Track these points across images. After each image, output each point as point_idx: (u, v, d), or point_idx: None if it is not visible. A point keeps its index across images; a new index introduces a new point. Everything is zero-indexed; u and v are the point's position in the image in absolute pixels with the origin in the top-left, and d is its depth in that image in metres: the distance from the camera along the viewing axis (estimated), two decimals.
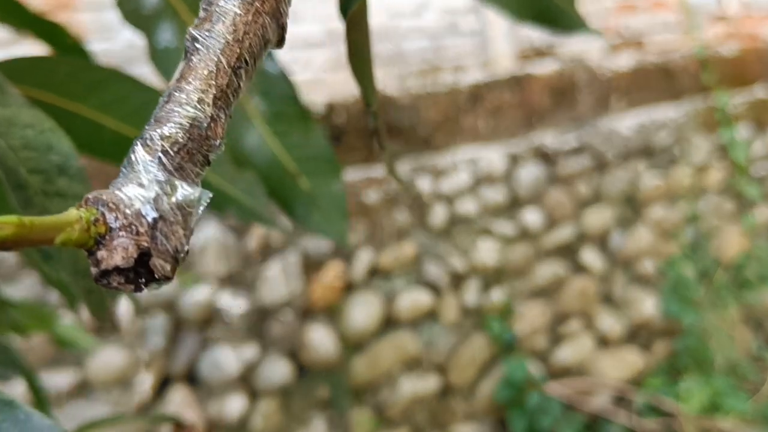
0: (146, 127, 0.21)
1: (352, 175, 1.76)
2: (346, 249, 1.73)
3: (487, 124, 2.00)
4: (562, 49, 2.17)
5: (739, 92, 2.35)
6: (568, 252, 2.00)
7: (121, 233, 0.19)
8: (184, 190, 0.21)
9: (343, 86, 1.80)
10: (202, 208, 0.21)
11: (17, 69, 0.40)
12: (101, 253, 0.19)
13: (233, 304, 1.61)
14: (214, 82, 0.22)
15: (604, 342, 1.97)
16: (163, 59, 0.47)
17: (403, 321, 1.75)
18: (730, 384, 1.90)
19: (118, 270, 0.19)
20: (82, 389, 1.48)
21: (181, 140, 0.21)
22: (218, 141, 0.22)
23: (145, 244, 0.19)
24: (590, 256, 2.01)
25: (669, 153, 2.20)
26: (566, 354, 1.92)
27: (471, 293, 1.85)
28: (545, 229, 1.97)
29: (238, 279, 1.64)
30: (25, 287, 1.42)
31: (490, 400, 1.81)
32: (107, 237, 0.19)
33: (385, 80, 1.91)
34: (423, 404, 1.74)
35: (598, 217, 2.05)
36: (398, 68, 1.95)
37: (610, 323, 1.98)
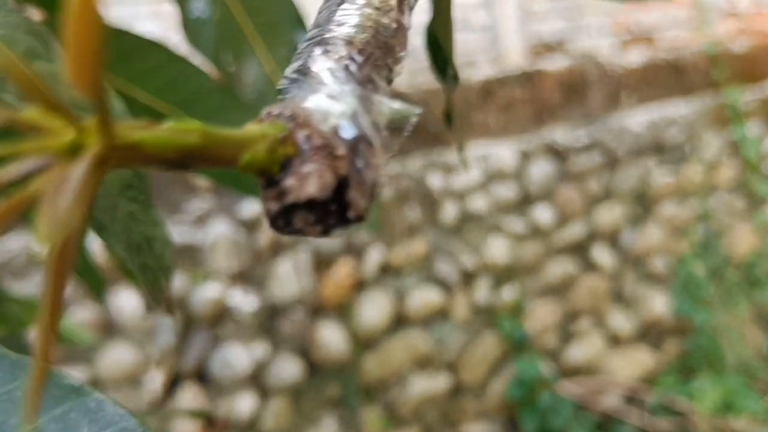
0: (317, 29, 0.17)
1: None
2: (357, 246, 1.71)
3: (498, 120, 1.99)
4: (572, 45, 2.15)
5: (750, 89, 2.33)
6: (578, 249, 1.98)
7: (314, 156, 0.15)
8: (388, 105, 0.16)
9: None
10: (409, 128, 0.16)
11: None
12: (289, 181, 0.14)
13: (244, 301, 1.59)
14: None
15: (615, 340, 1.96)
16: (195, 30, 0.44)
17: (414, 319, 1.74)
18: (742, 383, 1.89)
19: (306, 206, 0.15)
20: (93, 386, 1.47)
21: (368, 49, 0.17)
22: (403, 53, 0.18)
23: (344, 172, 0.15)
24: (601, 254, 2.00)
25: (680, 150, 2.18)
26: (577, 353, 1.91)
27: (482, 291, 1.83)
28: (556, 226, 1.96)
29: (248, 276, 1.62)
30: (34, 284, 1.41)
31: (501, 399, 1.79)
32: (297, 161, 0.15)
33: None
34: (434, 403, 1.73)
35: (608, 215, 2.03)
36: (408, 64, 1.94)
37: (621, 321, 1.97)
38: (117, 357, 1.48)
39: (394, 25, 0.17)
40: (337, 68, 0.16)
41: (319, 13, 0.18)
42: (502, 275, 1.87)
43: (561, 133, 2.04)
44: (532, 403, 1.78)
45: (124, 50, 0.39)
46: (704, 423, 1.79)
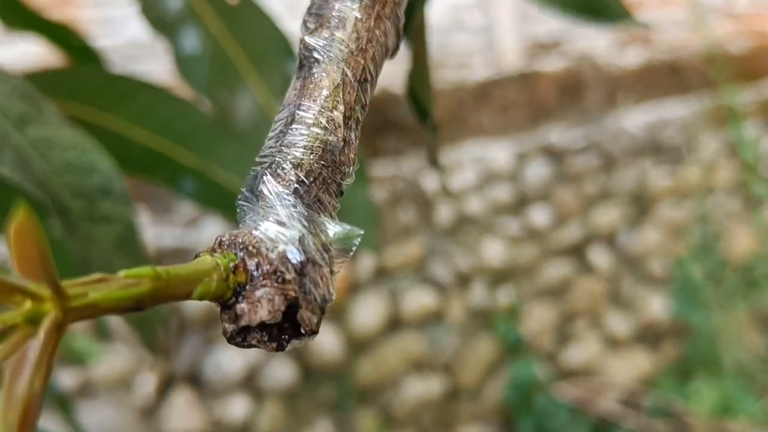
0: (268, 152, 0.18)
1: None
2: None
3: (494, 122, 1.98)
4: (569, 46, 2.14)
5: (748, 90, 2.32)
6: (575, 251, 1.98)
7: (264, 282, 0.16)
8: (331, 227, 0.18)
9: None
10: (354, 248, 0.18)
11: (42, 80, 0.38)
12: (241, 307, 0.16)
13: None
14: (341, 98, 0.19)
15: (612, 343, 1.95)
16: (188, 67, 0.45)
17: (409, 322, 1.74)
18: (739, 385, 1.88)
19: (260, 326, 0.16)
20: (86, 390, 1.46)
21: (315, 168, 0.18)
22: (351, 167, 0.19)
23: (293, 294, 0.16)
24: (598, 256, 1.99)
25: (677, 151, 2.17)
26: (574, 355, 1.90)
27: (477, 293, 1.83)
28: (552, 228, 1.95)
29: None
30: None
31: (497, 402, 1.79)
32: (248, 287, 0.16)
33: (390, 77, 1.89)
34: (429, 406, 1.73)
35: (605, 216, 2.03)
36: (403, 65, 1.93)
37: (618, 324, 1.96)
38: (110, 360, 1.48)
39: (341, 144, 0.18)
40: (285, 193, 0.17)
41: (275, 123, 0.19)
42: (498, 277, 1.86)
43: (557, 135, 2.03)
44: (529, 405, 1.77)
45: (122, 93, 0.40)
46: (702, 425, 1.79)
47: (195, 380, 1.55)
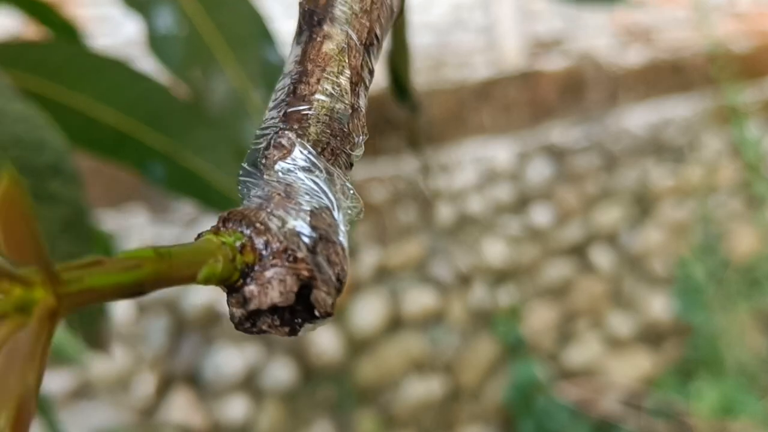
0: (270, 123, 0.17)
1: (357, 172, 1.73)
2: (351, 248, 1.70)
3: (495, 121, 1.98)
4: (570, 45, 2.14)
5: (750, 89, 2.31)
6: (577, 251, 1.97)
7: (274, 261, 0.15)
8: (343, 201, 0.16)
9: None
10: (361, 217, 0.17)
11: (7, 53, 0.37)
12: (250, 289, 0.15)
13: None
14: (347, 63, 0.17)
15: (613, 343, 1.95)
16: (162, 47, 0.44)
17: (410, 322, 1.73)
18: (741, 385, 1.88)
19: (270, 309, 0.15)
20: (84, 390, 1.46)
21: (323, 138, 0.16)
22: (360, 137, 0.17)
23: (306, 274, 0.15)
24: (599, 256, 1.99)
25: (679, 151, 2.17)
26: (575, 355, 1.89)
27: (478, 293, 1.82)
28: (553, 227, 1.95)
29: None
30: None
31: (498, 402, 1.78)
32: (257, 267, 0.15)
33: None
34: (429, 406, 1.72)
35: (607, 216, 2.02)
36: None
37: (619, 324, 1.96)
38: (109, 360, 1.48)
39: (349, 111, 0.17)
40: (291, 165, 0.16)
41: (275, 93, 0.18)
42: (499, 277, 1.86)
43: (559, 134, 2.02)
44: (529, 406, 1.77)
45: (88, 69, 0.39)
46: (703, 426, 1.78)
47: (194, 381, 1.54)
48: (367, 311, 1.69)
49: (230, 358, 1.55)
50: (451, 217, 1.84)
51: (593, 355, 1.91)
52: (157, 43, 0.43)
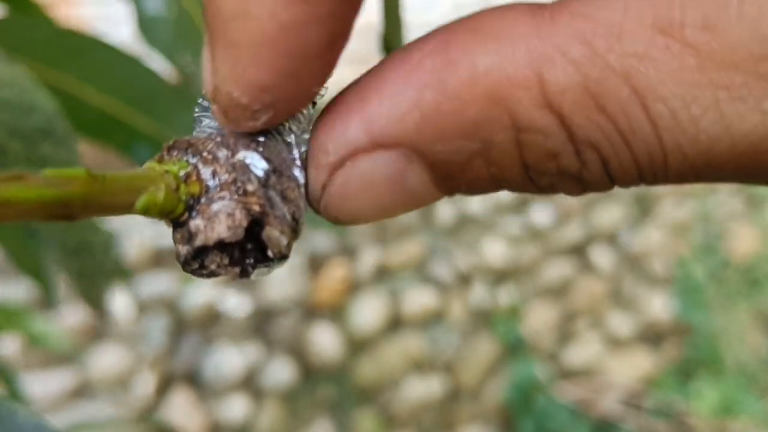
0: None
1: None
2: (351, 247, 1.70)
3: None
4: None
5: None
6: (576, 251, 1.97)
7: (222, 194, 0.14)
8: (301, 135, 0.15)
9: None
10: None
11: None
12: (196, 223, 0.14)
13: (237, 303, 1.58)
14: None
15: (613, 343, 1.95)
16: (151, 29, 0.43)
17: (410, 321, 1.73)
18: (741, 385, 1.88)
19: (219, 246, 0.14)
20: (84, 390, 1.46)
21: None
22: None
23: (257, 208, 0.14)
24: (599, 255, 1.99)
25: None
26: (575, 355, 1.89)
27: (478, 293, 1.82)
28: (553, 227, 1.95)
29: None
30: (25, 287, 1.40)
31: (498, 402, 1.78)
32: (203, 199, 0.14)
33: None
34: (429, 406, 1.72)
35: (607, 216, 2.02)
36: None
37: (619, 324, 1.96)
38: (108, 359, 1.47)
39: None
40: None
41: None
42: (499, 277, 1.86)
43: None
44: (529, 405, 1.76)
45: (73, 49, 0.38)
46: (703, 425, 1.78)
47: (194, 380, 1.54)
48: (367, 311, 1.68)
49: (230, 357, 1.55)
50: (451, 217, 1.84)
51: (593, 354, 1.91)
52: (146, 26, 0.43)
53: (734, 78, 0.13)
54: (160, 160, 0.14)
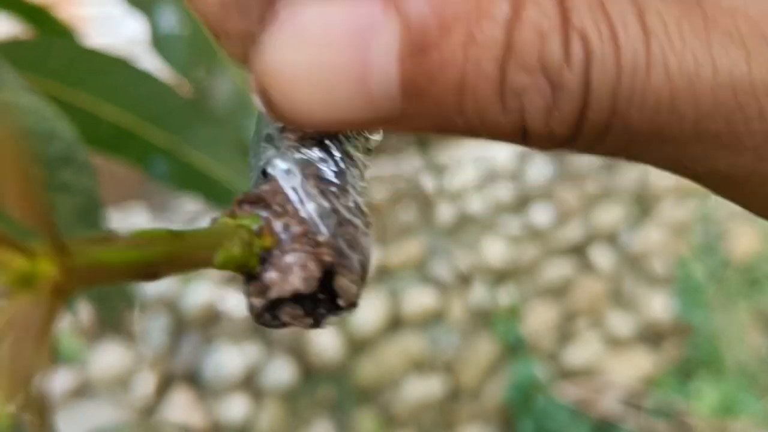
0: None
1: None
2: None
3: None
4: None
5: None
6: (576, 251, 1.97)
7: (294, 245, 0.14)
8: (363, 183, 0.15)
9: None
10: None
11: (8, 52, 0.37)
12: (270, 275, 0.14)
13: (237, 303, 1.58)
14: None
15: (613, 342, 1.95)
16: (165, 45, 0.44)
17: (410, 321, 1.73)
18: (741, 385, 1.88)
19: (292, 298, 0.14)
20: (84, 389, 1.46)
21: None
22: None
23: (329, 259, 0.14)
24: (599, 255, 1.99)
25: None
26: (575, 355, 1.89)
27: (478, 293, 1.82)
28: (553, 227, 1.95)
29: (242, 278, 1.61)
30: None
31: (498, 402, 1.78)
32: (276, 252, 0.14)
33: None
34: (429, 406, 1.72)
35: (607, 216, 2.02)
36: None
37: (619, 323, 1.96)
38: (109, 359, 1.47)
39: None
40: (309, 143, 0.15)
41: None
42: (499, 277, 1.86)
43: None
44: (529, 405, 1.76)
45: (92, 68, 0.39)
46: (703, 425, 1.78)
47: (194, 380, 1.54)
48: (367, 310, 1.68)
49: (230, 357, 1.55)
50: (451, 217, 1.84)
51: (593, 354, 1.91)
52: (160, 42, 0.44)
53: (725, 16, 0.13)
54: (233, 215, 0.15)
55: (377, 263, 1.73)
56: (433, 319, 1.76)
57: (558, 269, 1.93)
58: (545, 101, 0.13)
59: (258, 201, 0.15)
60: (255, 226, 0.14)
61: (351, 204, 0.15)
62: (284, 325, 0.14)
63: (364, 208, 0.15)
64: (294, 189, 0.15)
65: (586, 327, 1.93)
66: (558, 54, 0.13)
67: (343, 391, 1.64)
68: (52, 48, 0.40)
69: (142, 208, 1.61)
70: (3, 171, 0.10)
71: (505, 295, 1.85)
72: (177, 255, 0.13)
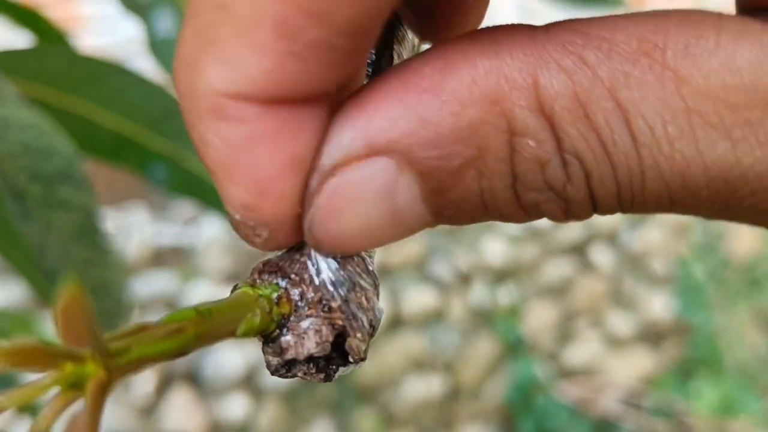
0: None
1: None
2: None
3: None
4: None
5: None
6: (576, 250, 1.97)
7: (309, 312, 0.15)
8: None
9: None
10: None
11: (3, 60, 0.37)
12: (287, 340, 0.15)
13: None
14: None
15: (613, 342, 1.95)
16: (162, 50, 0.44)
17: (410, 321, 1.73)
18: (741, 385, 1.88)
19: (307, 359, 0.15)
20: None
21: None
22: None
23: (341, 323, 0.15)
24: (599, 255, 1.99)
25: None
26: (575, 354, 1.89)
27: (478, 292, 1.82)
28: (553, 226, 1.95)
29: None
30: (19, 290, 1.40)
31: (498, 402, 1.78)
32: (292, 318, 0.15)
33: None
34: (429, 405, 1.72)
35: (607, 216, 2.02)
36: None
37: (619, 323, 1.96)
38: None
39: None
40: None
41: None
42: (499, 276, 1.86)
43: None
44: (529, 405, 1.77)
45: (89, 75, 0.39)
46: (703, 425, 1.78)
47: (194, 379, 1.54)
48: None
49: (230, 356, 1.55)
50: None
51: (593, 354, 1.91)
52: (156, 46, 0.44)
53: (707, 105, 0.13)
54: (253, 284, 0.16)
55: (377, 262, 1.73)
56: (433, 319, 1.76)
57: (558, 269, 1.93)
58: (560, 208, 0.15)
59: (276, 270, 0.16)
60: (274, 295, 0.15)
61: (362, 268, 0.16)
62: (297, 377, 0.16)
63: (373, 269, 0.17)
64: (308, 260, 0.16)
65: (586, 327, 1.93)
66: (559, 175, 0.14)
67: (343, 391, 1.64)
68: (49, 56, 0.40)
69: (142, 208, 1.61)
70: (64, 322, 0.11)
71: (505, 295, 1.85)
72: (204, 334, 0.14)
